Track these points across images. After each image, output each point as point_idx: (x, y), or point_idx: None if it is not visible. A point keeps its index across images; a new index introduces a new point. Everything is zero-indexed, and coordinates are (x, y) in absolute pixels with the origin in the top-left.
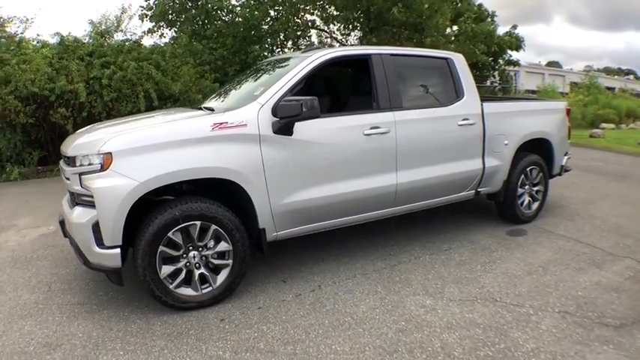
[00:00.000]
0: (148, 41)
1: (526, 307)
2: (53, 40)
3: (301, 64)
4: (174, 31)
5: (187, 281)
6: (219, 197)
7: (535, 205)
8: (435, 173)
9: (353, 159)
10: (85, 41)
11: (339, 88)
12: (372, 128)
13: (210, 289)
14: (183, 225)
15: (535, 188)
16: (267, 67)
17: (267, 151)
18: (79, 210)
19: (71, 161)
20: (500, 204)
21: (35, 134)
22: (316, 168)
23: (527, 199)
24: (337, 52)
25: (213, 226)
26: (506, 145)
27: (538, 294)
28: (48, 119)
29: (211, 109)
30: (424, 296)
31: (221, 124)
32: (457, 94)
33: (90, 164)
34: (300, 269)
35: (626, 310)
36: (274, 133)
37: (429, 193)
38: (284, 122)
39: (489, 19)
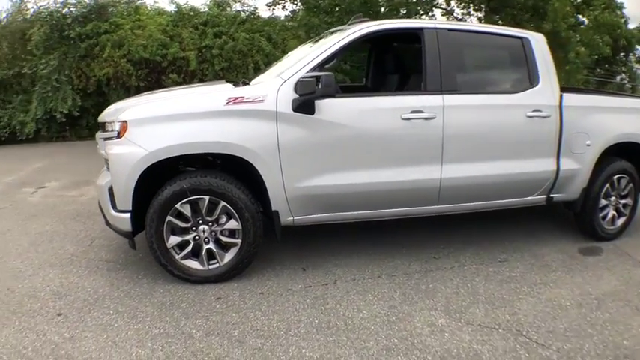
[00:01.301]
0: (267, 13)
1: (552, 349)
2: (170, 8)
3: (335, 38)
4: (295, 3)
5: (196, 254)
6: (243, 175)
7: (620, 221)
8: (491, 171)
9: (385, 146)
10: (202, 10)
11: (383, 66)
12: (412, 112)
13: (217, 265)
14: (191, 198)
15: (622, 201)
16: (315, 40)
17: (284, 130)
18: (104, 173)
19: (101, 127)
20: (577, 215)
21: None
22: (340, 152)
23: (611, 212)
24: (380, 25)
25: (222, 203)
26: (588, 146)
27: (575, 334)
28: (160, 84)
29: (247, 83)
30: (441, 313)
31: (236, 98)
32: (530, 80)
33: (112, 131)
34: (328, 259)
35: None
36: (293, 110)
37: (484, 194)
38: (302, 100)
39: (618, 12)
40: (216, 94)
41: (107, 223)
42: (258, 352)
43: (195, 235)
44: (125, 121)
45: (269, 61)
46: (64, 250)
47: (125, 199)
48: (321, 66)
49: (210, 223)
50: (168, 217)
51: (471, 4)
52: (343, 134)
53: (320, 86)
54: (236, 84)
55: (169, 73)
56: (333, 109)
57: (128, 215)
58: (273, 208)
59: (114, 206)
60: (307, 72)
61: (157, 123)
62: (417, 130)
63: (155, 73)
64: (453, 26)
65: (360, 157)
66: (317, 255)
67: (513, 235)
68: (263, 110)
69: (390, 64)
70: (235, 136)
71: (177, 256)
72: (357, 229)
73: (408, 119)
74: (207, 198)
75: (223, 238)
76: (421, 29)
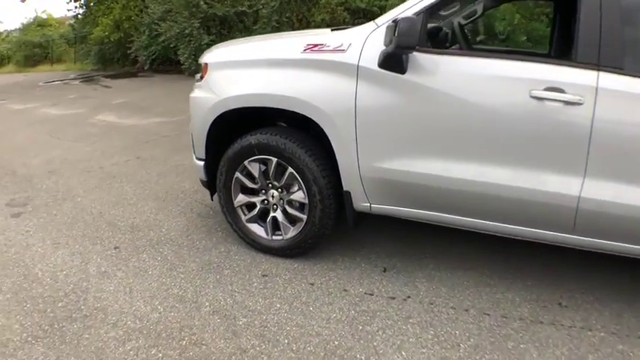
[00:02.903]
0: None
1: None
2: None
3: None
4: None
5: (264, 219)
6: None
7: None
8: None
9: (501, 132)
10: None
11: (566, 28)
12: (548, 89)
13: (280, 238)
14: (259, 157)
15: None
16: None
17: (365, 91)
18: None
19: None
20: None
21: None
22: (436, 131)
23: None
24: None
25: (290, 169)
26: None
27: None
28: None
29: None
30: None
31: (315, 45)
32: None
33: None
34: (425, 267)
35: None
36: (379, 67)
37: None
38: (386, 53)
39: None
40: (297, 39)
41: None
42: (239, 354)
43: (264, 199)
44: (206, 64)
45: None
46: (180, 185)
47: (200, 147)
48: (429, 10)
49: (280, 189)
50: (237, 174)
51: None
52: (442, 106)
53: (396, 34)
54: (336, 28)
55: None
56: (432, 69)
57: (202, 164)
58: (345, 188)
59: (194, 152)
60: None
61: (234, 68)
62: (552, 116)
63: None
64: None
65: (464, 142)
66: (416, 257)
67: None
68: (341, 62)
69: (574, 27)
70: (304, 91)
71: (243, 217)
72: (491, 238)
73: (540, 99)
74: (274, 160)
75: (289, 209)
76: None
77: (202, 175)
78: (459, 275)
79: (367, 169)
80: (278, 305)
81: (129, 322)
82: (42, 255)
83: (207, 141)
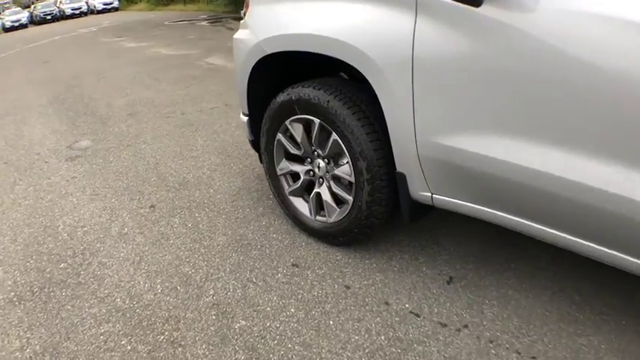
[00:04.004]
0: None
1: None
2: None
3: None
4: None
5: (310, 193)
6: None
7: None
8: None
9: (612, 105)
10: None
11: None
12: None
13: (323, 219)
14: (301, 116)
15: None
16: None
17: (426, 32)
18: None
19: None
20: None
21: None
22: (524, 99)
23: None
24: None
25: (334, 136)
26: None
27: None
28: None
29: None
30: None
31: None
32: None
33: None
34: (505, 282)
35: None
36: None
37: None
38: None
39: None
40: None
41: None
42: None
43: (310, 170)
44: None
45: None
46: (244, 148)
47: (242, 100)
48: None
49: (327, 160)
50: (279, 135)
51: None
52: (534, 61)
53: None
54: None
55: None
56: (522, 2)
57: (246, 120)
58: (398, 168)
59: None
60: None
61: (271, 2)
62: None
63: None
64: None
65: (564, 122)
66: (498, 267)
67: None
68: None
69: None
70: (343, 30)
71: (286, 188)
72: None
73: None
74: (317, 121)
75: (334, 187)
76: None
77: (248, 134)
78: (543, 301)
79: (426, 145)
80: (292, 310)
81: (117, 300)
82: (73, 206)
83: (248, 93)
